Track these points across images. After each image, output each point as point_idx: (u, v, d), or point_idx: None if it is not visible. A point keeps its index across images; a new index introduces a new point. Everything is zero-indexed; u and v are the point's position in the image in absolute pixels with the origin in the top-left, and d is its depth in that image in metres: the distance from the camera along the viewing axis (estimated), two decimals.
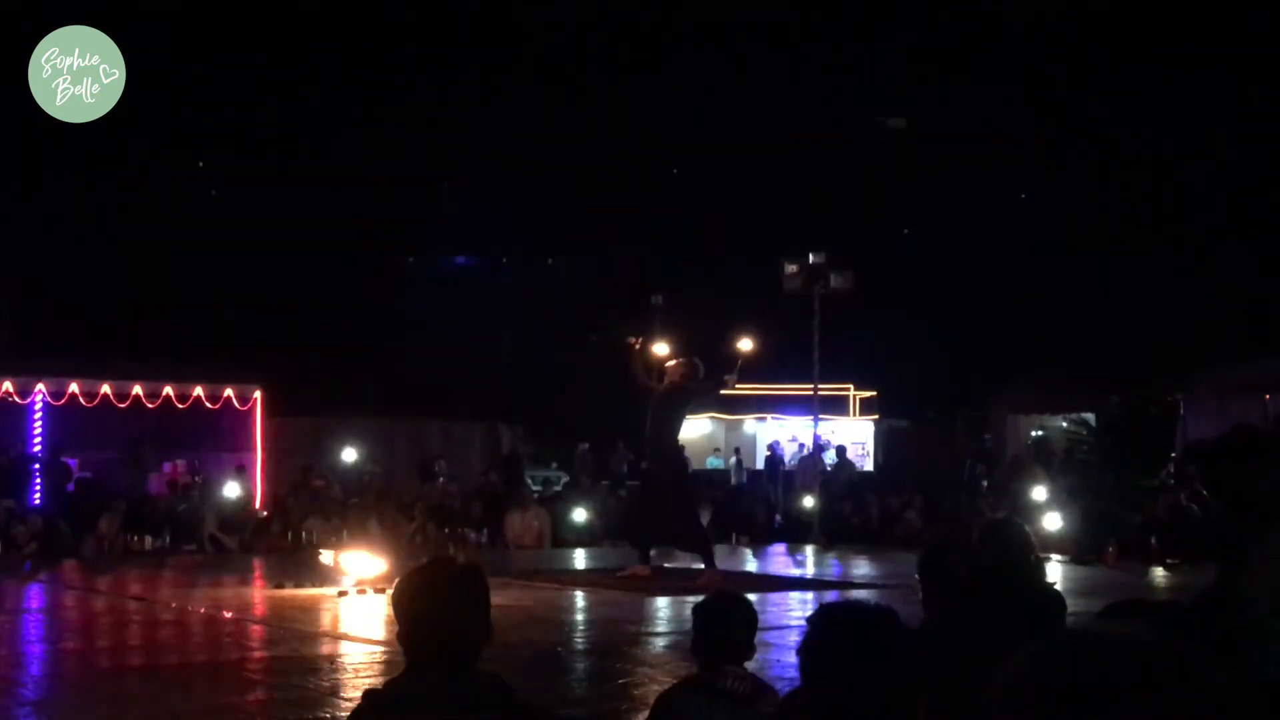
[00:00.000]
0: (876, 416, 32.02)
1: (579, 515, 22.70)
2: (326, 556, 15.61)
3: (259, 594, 14.92)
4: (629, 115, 35.52)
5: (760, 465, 29.83)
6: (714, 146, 36.15)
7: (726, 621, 4.49)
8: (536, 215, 37.72)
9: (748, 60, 35.35)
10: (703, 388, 16.44)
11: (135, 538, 20.41)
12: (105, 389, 21.97)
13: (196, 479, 22.53)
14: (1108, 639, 1.49)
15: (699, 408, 23.12)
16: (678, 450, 16.02)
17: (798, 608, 13.25)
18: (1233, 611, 2.70)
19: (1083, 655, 1.47)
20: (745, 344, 16.34)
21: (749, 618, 4.57)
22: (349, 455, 24.90)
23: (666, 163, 36.98)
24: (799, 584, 16.38)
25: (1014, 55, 34.02)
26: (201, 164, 34.58)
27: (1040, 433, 28.10)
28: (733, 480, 28.60)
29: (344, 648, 10.71)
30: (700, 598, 4.88)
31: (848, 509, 24.02)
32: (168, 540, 20.67)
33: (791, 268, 22.30)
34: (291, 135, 33.85)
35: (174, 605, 13.57)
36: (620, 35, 34.81)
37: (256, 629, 12.04)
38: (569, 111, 35.48)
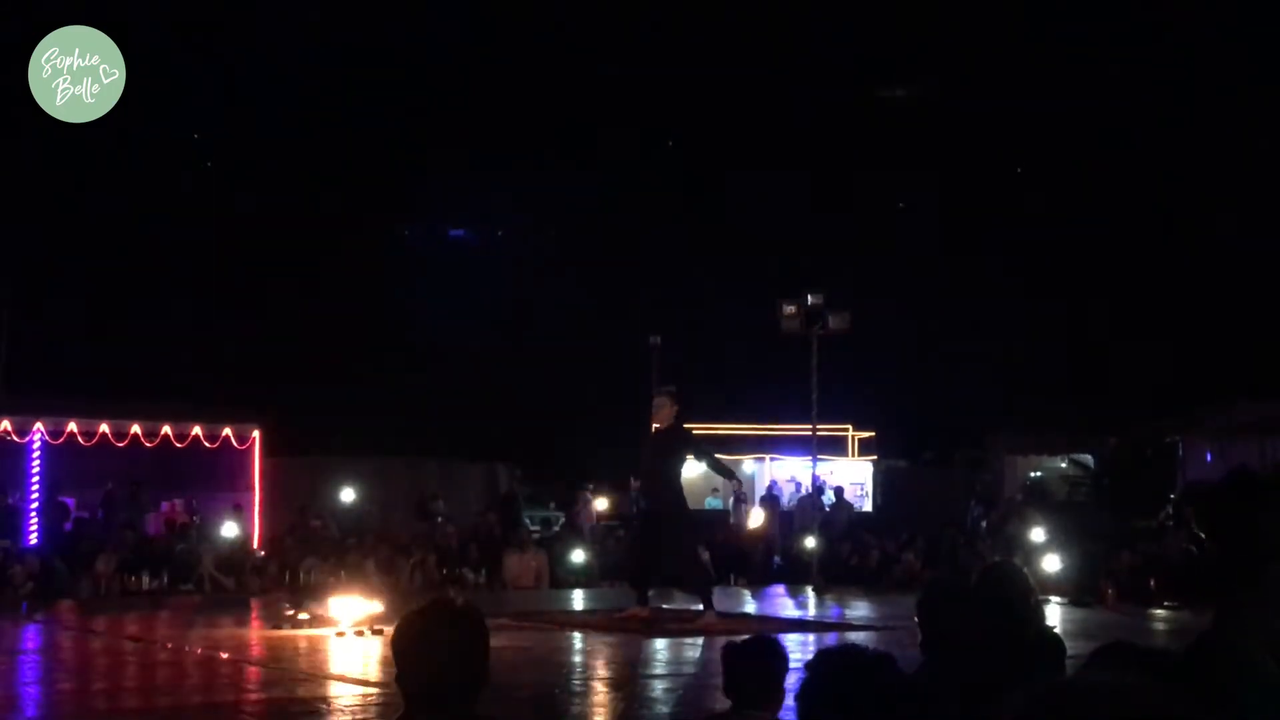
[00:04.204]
0: (875, 457, 31.99)
1: (577, 556, 22.64)
2: (324, 597, 15.55)
3: (256, 635, 14.87)
4: (631, 151, 35.67)
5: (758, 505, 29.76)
6: (711, 185, 36.28)
7: (756, 667, 4.50)
8: (535, 256, 37.82)
9: (745, 99, 35.49)
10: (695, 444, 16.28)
11: (132, 578, 20.35)
12: (103, 428, 21.95)
13: (194, 519, 22.48)
14: (1101, 689, 1.50)
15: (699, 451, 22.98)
16: (679, 490, 15.90)
17: (796, 649, 13.20)
18: (1227, 657, 2.70)
19: (1075, 706, 1.48)
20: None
21: (781, 665, 4.56)
22: (347, 495, 24.87)
23: (662, 204, 37.08)
24: (797, 625, 16.31)
25: (1013, 81, 34.18)
26: (202, 203, 34.67)
27: (1038, 474, 28.09)
28: (731, 520, 28.54)
29: (341, 689, 10.66)
30: (702, 638, 4.88)
31: (846, 550, 23.96)
32: (165, 580, 20.61)
33: (789, 308, 22.28)
34: (293, 165, 33.98)
35: (170, 646, 13.52)
36: (616, 66, 34.96)
37: (253, 670, 11.99)
38: (570, 143, 35.63)
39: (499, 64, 34.84)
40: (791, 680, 4.63)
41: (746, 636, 4.90)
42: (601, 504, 26.04)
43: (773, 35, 34.82)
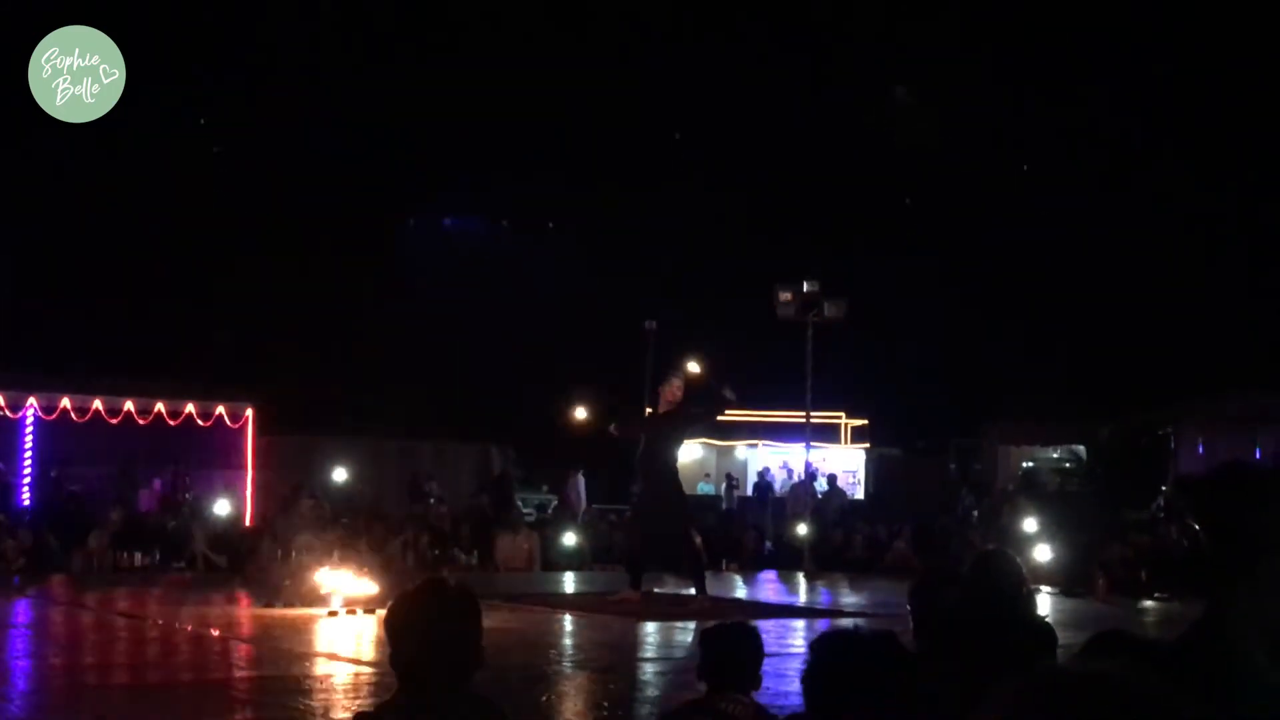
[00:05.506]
0: (868, 445, 32.02)
1: (569, 539, 22.67)
2: (316, 576, 15.56)
3: (247, 613, 14.88)
4: (624, 140, 35.62)
5: (751, 491, 29.82)
6: (707, 173, 36.23)
7: (732, 650, 4.53)
8: (529, 240, 37.77)
9: (742, 86, 35.45)
10: (705, 410, 16.44)
11: (125, 554, 20.35)
12: (97, 404, 21.94)
13: (187, 496, 22.49)
14: (1093, 677, 1.50)
15: (695, 433, 23.05)
16: (675, 474, 15.97)
17: (787, 635, 13.23)
18: (1220, 649, 2.71)
19: (1067, 693, 1.48)
20: (694, 366, 16.29)
21: (756, 649, 4.60)
22: (340, 475, 24.87)
23: (654, 191, 37.04)
24: (788, 611, 16.35)
25: (1012, 75, 34.15)
26: (199, 178, 34.61)
27: (1030, 464, 28.14)
28: (724, 506, 28.58)
29: (333, 668, 10.68)
30: (694, 623, 4.91)
31: (838, 537, 24.00)
32: (157, 557, 20.62)
33: (785, 295, 22.28)
34: (286, 148, 33.90)
35: (161, 623, 13.53)
36: (616, 58, 34.90)
37: (244, 648, 12.00)
38: (567, 133, 35.58)
39: (500, 60, 34.82)
40: (769, 665, 4.67)
41: (721, 622, 4.93)
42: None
43: (773, 33, 34.83)
